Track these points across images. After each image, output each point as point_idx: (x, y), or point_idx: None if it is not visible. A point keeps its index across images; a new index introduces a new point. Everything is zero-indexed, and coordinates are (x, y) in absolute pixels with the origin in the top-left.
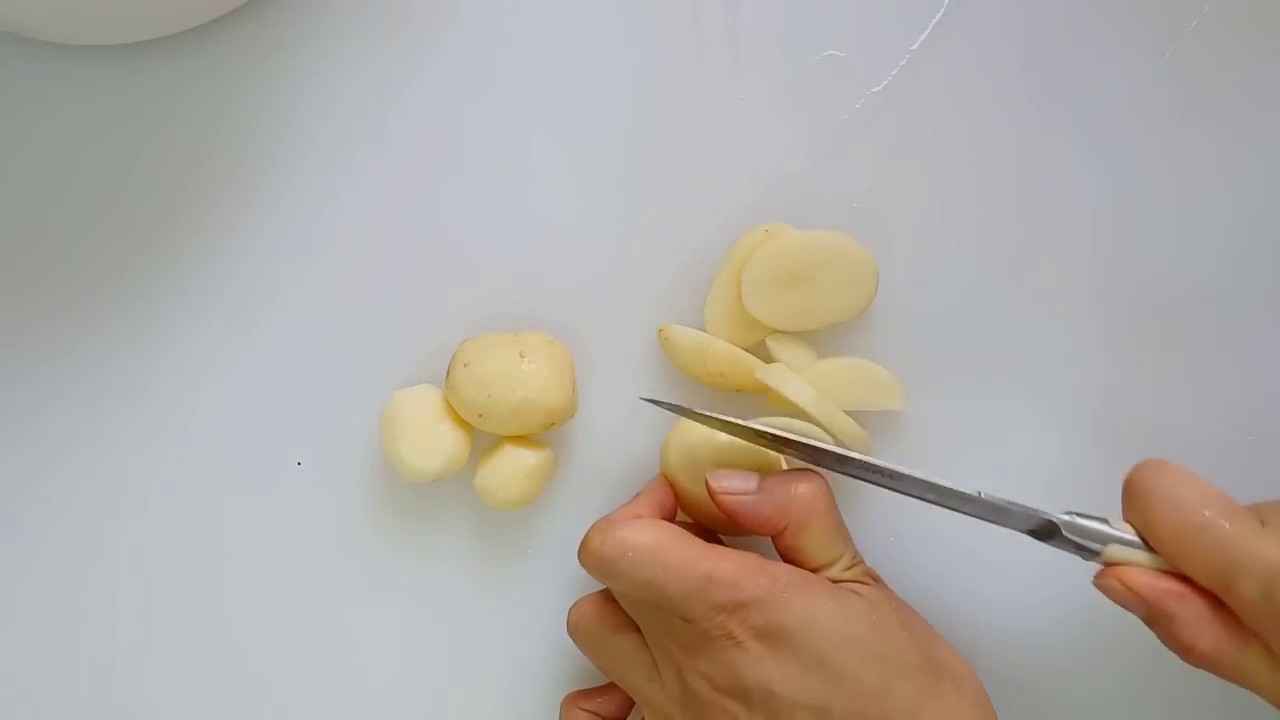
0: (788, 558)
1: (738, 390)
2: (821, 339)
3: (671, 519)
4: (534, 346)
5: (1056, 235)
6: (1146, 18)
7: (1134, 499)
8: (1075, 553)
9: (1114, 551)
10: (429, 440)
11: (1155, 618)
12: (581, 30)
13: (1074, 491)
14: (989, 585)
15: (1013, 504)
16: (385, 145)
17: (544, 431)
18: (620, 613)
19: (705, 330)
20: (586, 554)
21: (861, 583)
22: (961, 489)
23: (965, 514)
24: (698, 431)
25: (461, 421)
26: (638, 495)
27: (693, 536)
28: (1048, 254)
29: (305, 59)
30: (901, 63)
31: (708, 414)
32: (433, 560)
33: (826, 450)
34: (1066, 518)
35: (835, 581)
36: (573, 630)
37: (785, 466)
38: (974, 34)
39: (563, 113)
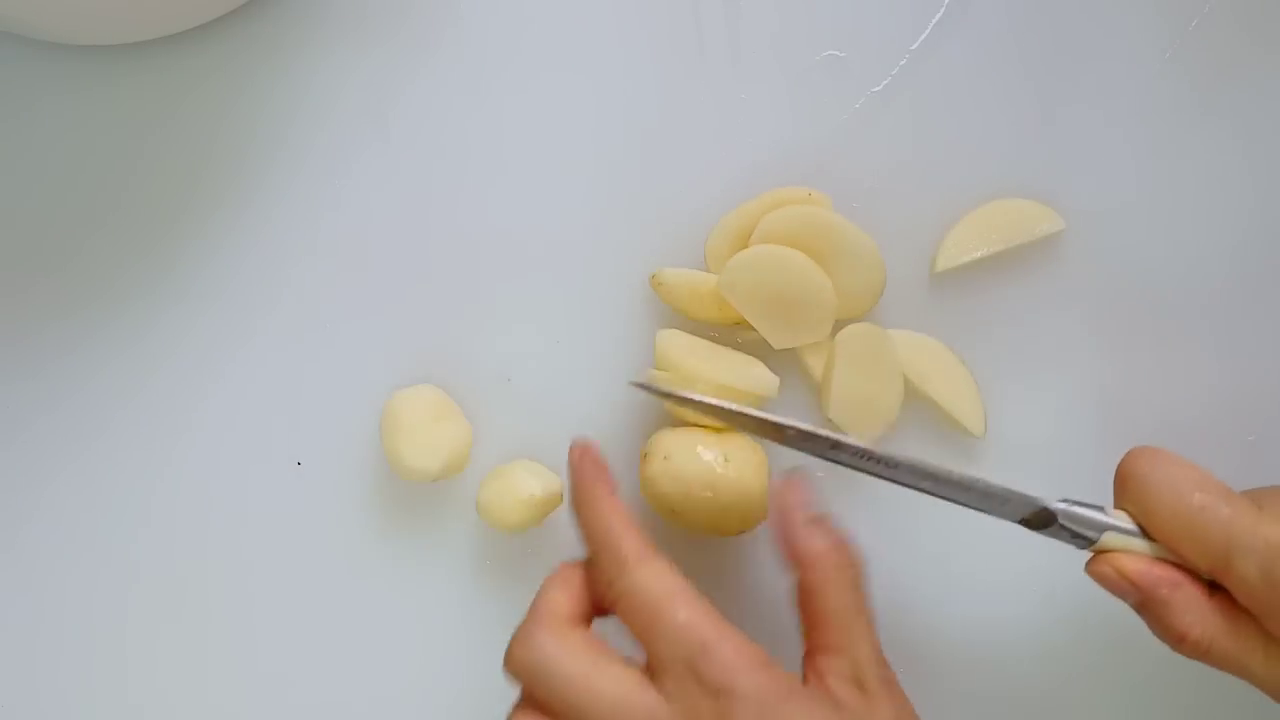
0: (801, 608)
1: (736, 324)
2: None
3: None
4: (737, 451)
5: (1057, 232)
6: (1147, 16)
7: (1128, 485)
8: (1071, 541)
9: (1109, 539)
10: (429, 440)
11: (1148, 605)
12: (582, 31)
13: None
14: (985, 584)
15: (1009, 491)
16: (385, 145)
17: (734, 534)
18: None
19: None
20: (509, 662)
21: (876, 698)
22: (957, 475)
23: (959, 503)
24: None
25: (461, 421)
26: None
27: (704, 601)
28: (1048, 251)
29: (305, 59)
30: (901, 63)
31: (702, 399)
32: (432, 560)
33: (820, 435)
34: (1063, 505)
35: (831, 689)
36: None
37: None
38: (974, 34)
39: (563, 113)
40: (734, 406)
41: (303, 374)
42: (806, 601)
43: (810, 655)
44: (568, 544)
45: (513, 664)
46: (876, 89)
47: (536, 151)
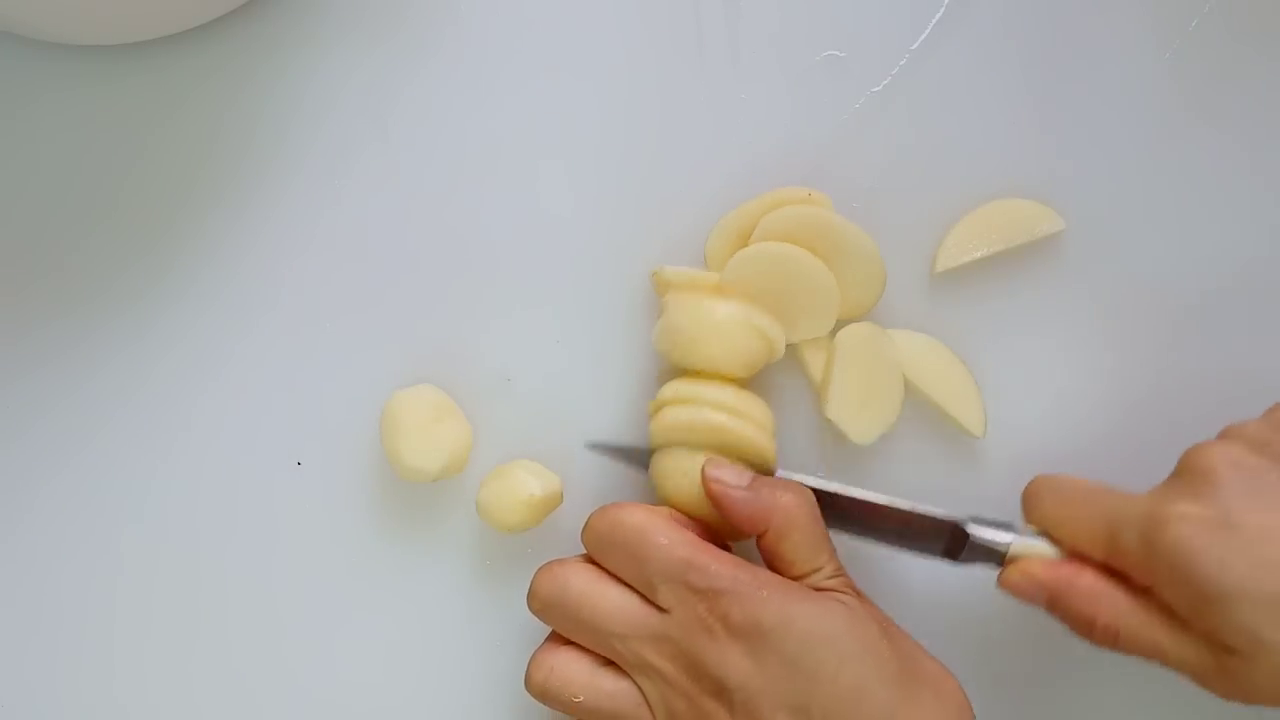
0: (770, 565)
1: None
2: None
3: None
4: (743, 403)
5: (1057, 234)
6: (1146, 17)
7: (1027, 500)
8: (985, 561)
9: (1017, 548)
10: (429, 440)
11: (1055, 600)
12: (581, 31)
13: None
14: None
15: (921, 510)
16: (385, 145)
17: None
18: (599, 659)
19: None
20: (587, 530)
21: (843, 592)
22: (874, 499)
23: (883, 543)
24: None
25: (461, 421)
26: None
27: (683, 528)
28: (1048, 251)
29: (305, 59)
30: (901, 63)
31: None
32: (432, 560)
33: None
34: (974, 527)
35: (817, 589)
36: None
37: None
38: (974, 34)
39: (563, 112)
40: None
41: (302, 374)
42: (775, 548)
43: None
44: (568, 544)
45: (536, 597)
46: (876, 89)
47: (536, 152)
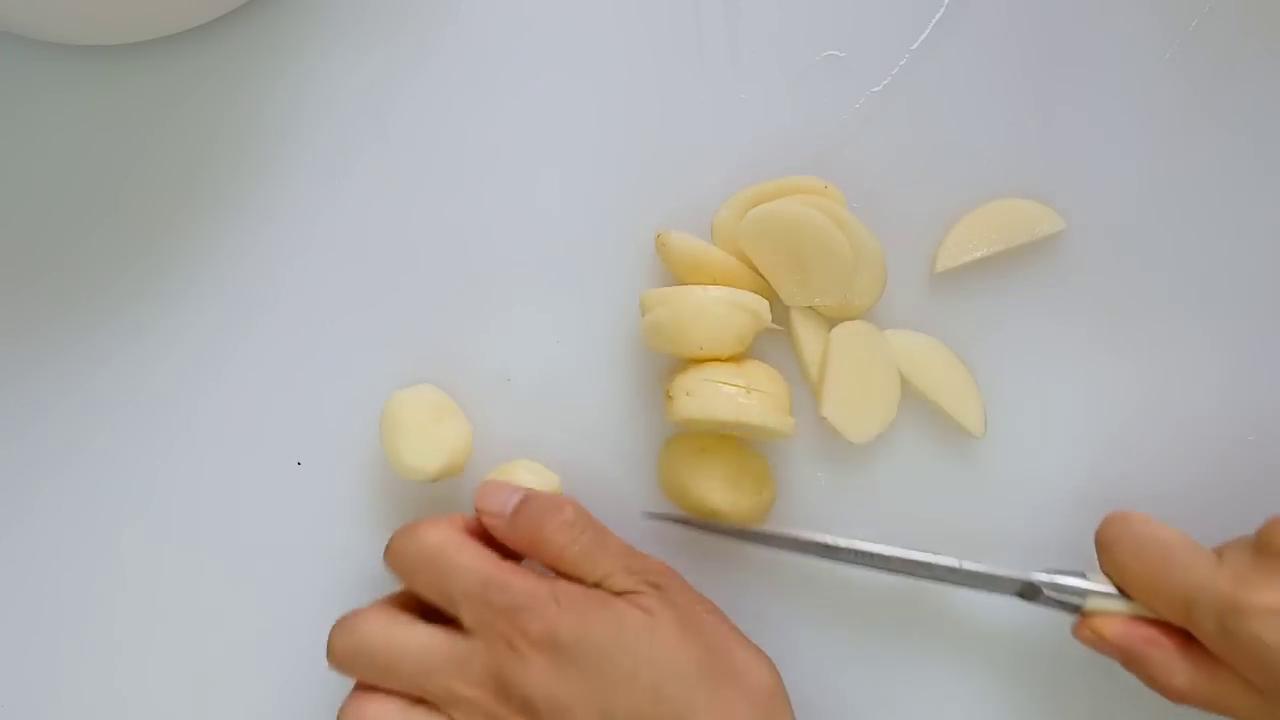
0: (565, 577)
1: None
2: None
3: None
4: (760, 381)
5: (1057, 232)
6: (1147, 17)
7: (1103, 549)
8: (1060, 609)
9: (1094, 603)
10: (429, 440)
11: (1130, 662)
12: (581, 31)
13: (1069, 486)
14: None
15: (995, 572)
16: (385, 145)
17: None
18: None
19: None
20: (389, 552)
21: (639, 593)
22: (943, 563)
23: (952, 584)
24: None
25: (461, 421)
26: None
27: (485, 548)
28: (1048, 251)
29: (305, 59)
30: (901, 63)
31: (706, 523)
32: None
33: (814, 542)
34: (1046, 578)
35: (615, 594)
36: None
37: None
38: (974, 34)
39: (563, 113)
40: (733, 527)
41: (303, 374)
42: (555, 567)
43: None
44: None
45: (333, 653)
46: (876, 89)
47: (535, 152)
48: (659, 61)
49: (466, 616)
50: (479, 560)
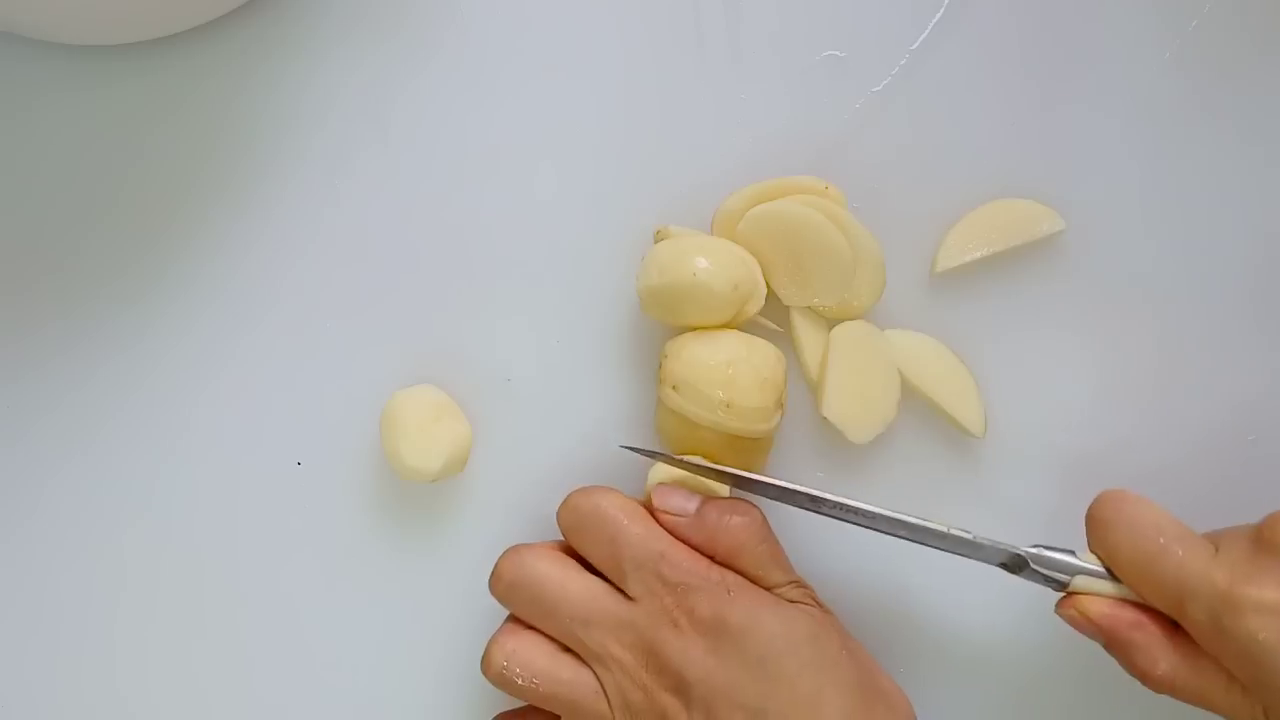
0: None
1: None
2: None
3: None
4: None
5: (1057, 232)
6: (1147, 16)
7: (1095, 528)
8: (1045, 584)
9: (1080, 582)
10: (429, 440)
11: (1113, 645)
12: (581, 31)
13: (1070, 486)
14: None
15: (982, 539)
16: (385, 145)
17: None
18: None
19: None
20: (565, 507)
21: (805, 604)
22: (932, 525)
23: (937, 549)
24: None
25: (462, 421)
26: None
27: (659, 524)
28: (1048, 251)
29: (305, 59)
30: (901, 63)
31: (684, 459)
32: (433, 560)
33: (800, 491)
34: (1034, 550)
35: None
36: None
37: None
38: (974, 34)
39: (563, 113)
40: (716, 466)
41: (303, 374)
42: (733, 565)
43: None
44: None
45: (500, 579)
46: (876, 89)
47: (536, 152)
48: (659, 61)
49: (634, 585)
50: (655, 533)
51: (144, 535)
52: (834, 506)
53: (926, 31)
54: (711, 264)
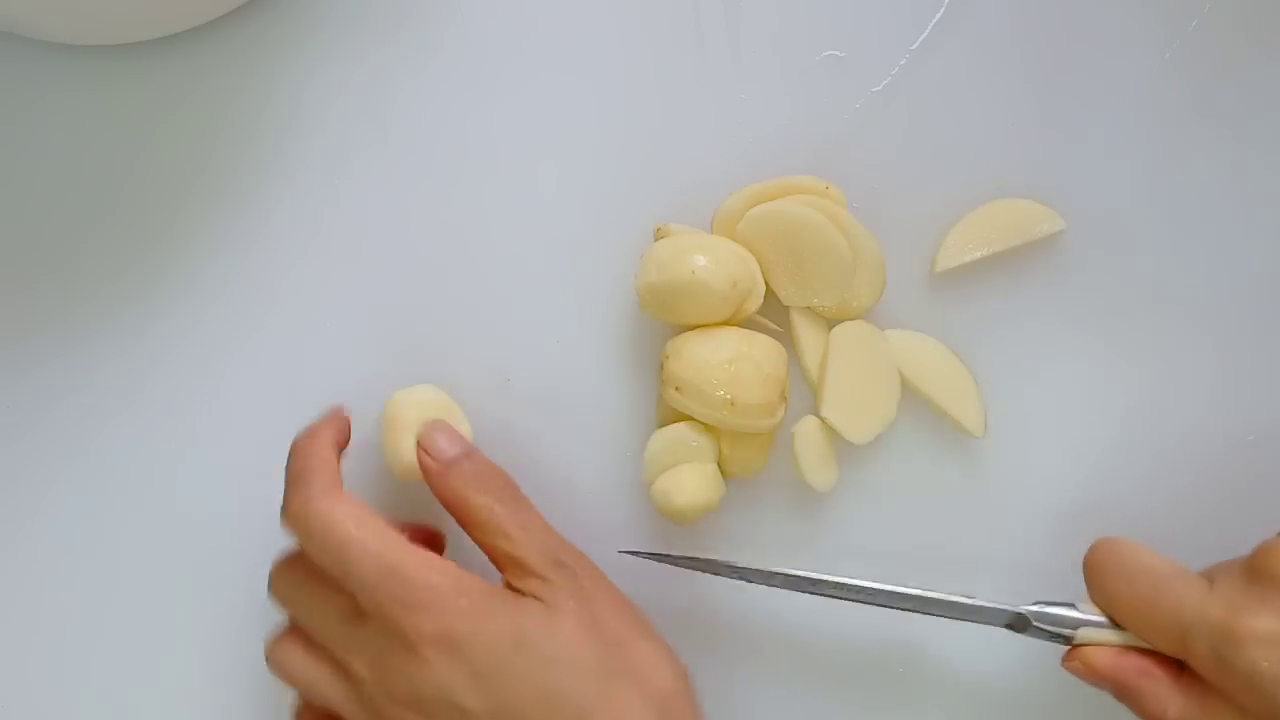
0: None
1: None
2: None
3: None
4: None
5: (1057, 232)
6: (1146, 17)
7: (1091, 578)
8: (1051, 640)
9: (1084, 634)
10: None
11: (1122, 693)
12: (581, 31)
13: (1069, 486)
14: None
15: (984, 604)
16: (385, 145)
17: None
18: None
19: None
20: (284, 513)
21: (547, 581)
22: (934, 595)
23: (940, 617)
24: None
25: (462, 421)
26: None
27: (386, 525)
28: (1048, 251)
29: (305, 59)
30: (901, 63)
31: (689, 557)
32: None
33: (802, 577)
34: (1036, 609)
35: (516, 588)
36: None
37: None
38: (974, 34)
39: (563, 113)
40: (724, 560)
41: (302, 374)
42: (473, 534)
43: (500, 570)
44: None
45: (270, 589)
46: (876, 89)
47: (535, 152)
48: (659, 61)
49: (364, 601)
50: (381, 543)
51: (144, 535)
52: (835, 587)
53: (926, 31)
54: (710, 261)
